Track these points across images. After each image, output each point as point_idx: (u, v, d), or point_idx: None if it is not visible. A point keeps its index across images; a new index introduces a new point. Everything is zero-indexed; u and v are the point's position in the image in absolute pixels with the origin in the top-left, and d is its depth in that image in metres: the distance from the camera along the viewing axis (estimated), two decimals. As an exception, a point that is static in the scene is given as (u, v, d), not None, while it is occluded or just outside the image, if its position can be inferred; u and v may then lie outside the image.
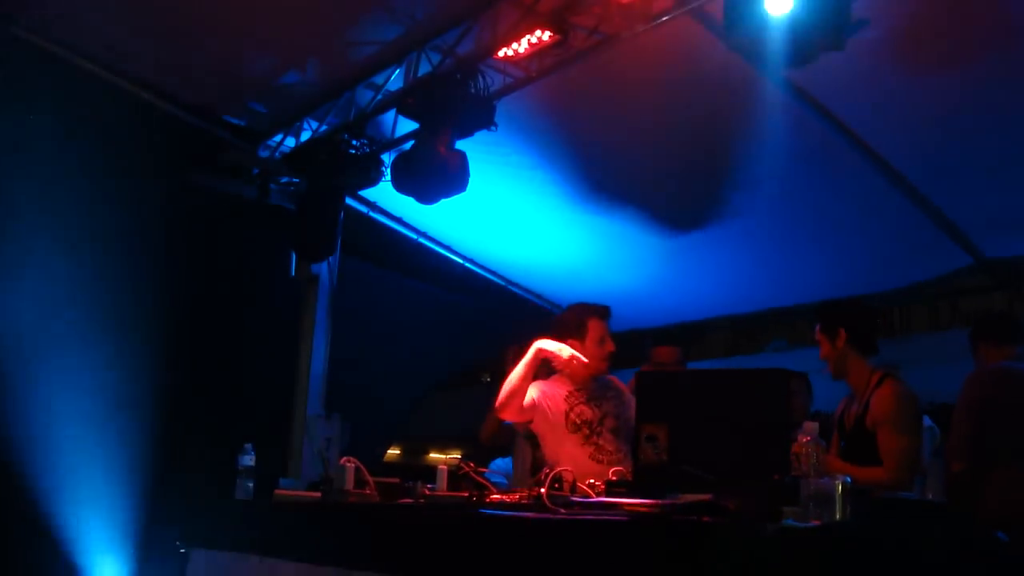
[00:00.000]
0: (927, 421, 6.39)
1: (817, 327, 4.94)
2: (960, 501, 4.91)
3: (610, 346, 5.14)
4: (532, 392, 5.10)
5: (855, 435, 4.78)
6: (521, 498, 3.73)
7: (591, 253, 8.78)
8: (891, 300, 9.20)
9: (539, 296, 10.09)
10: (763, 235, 8.05)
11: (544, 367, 5.18)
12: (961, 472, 4.92)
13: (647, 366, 5.49)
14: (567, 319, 5.26)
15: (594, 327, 5.13)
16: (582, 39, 5.89)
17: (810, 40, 4.75)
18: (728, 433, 3.49)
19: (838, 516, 3.03)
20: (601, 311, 5.18)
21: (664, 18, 5.53)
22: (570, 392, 5.19)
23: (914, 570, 3.14)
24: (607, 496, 3.61)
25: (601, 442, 5.06)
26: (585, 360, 4.99)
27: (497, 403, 5.08)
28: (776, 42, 4.82)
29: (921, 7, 5.36)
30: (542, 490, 3.54)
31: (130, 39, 6.78)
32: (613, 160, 7.26)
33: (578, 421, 5.12)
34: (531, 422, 5.19)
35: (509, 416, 5.15)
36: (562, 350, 4.99)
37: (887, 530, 3.27)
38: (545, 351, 5.01)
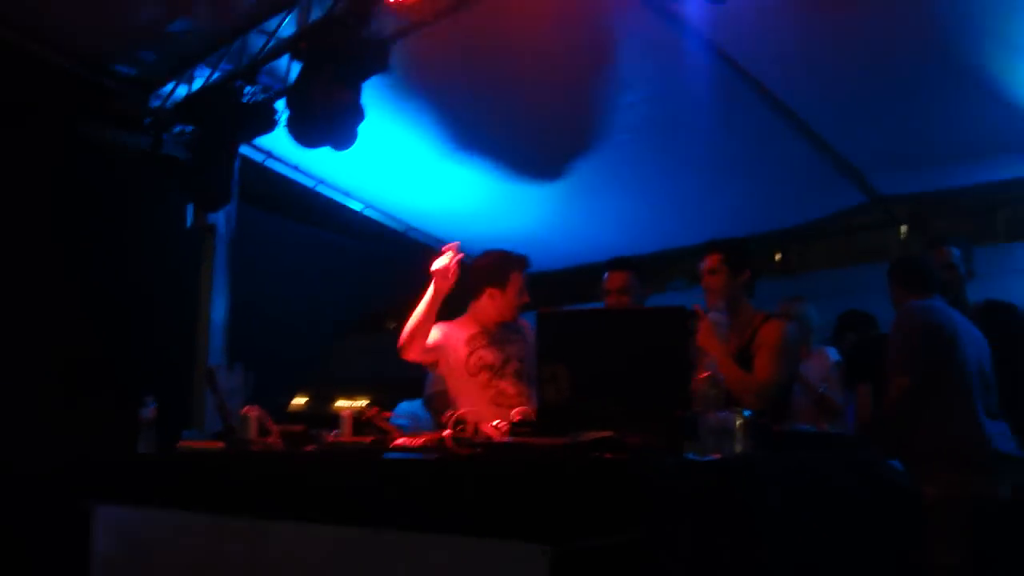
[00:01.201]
0: (834, 354, 6.54)
1: (718, 258, 4.96)
2: (905, 418, 5.06)
3: (526, 298, 5.18)
4: (435, 333, 5.09)
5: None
6: (426, 442, 3.74)
7: (489, 197, 8.77)
8: (788, 238, 9.36)
9: (439, 240, 10.05)
10: (658, 176, 8.13)
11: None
12: (906, 387, 5.01)
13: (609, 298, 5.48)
14: (488, 266, 5.23)
15: (515, 279, 5.15)
16: (475, -20, 5.86)
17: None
18: (629, 371, 3.53)
19: (738, 449, 3.10)
20: (522, 264, 5.20)
21: (558, -42, 5.52)
22: (472, 335, 5.20)
23: (810, 500, 3.23)
24: (511, 437, 3.63)
25: (503, 385, 5.09)
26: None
27: (400, 342, 5.05)
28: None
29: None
30: (445, 432, 3.56)
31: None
32: (507, 103, 7.23)
33: (479, 364, 5.15)
34: (436, 363, 5.20)
35: (412, 356, 5.10)
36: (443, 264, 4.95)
37: (785, 462, 3.35)
38: (435, 272, 4.95)
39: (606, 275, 5.46)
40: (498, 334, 5.21)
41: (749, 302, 4.93)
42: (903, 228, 8.62)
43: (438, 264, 4.93)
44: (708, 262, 4.98)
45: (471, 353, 5.15)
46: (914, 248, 8.12)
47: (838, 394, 6.29)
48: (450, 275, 4.95)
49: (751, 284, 4.98)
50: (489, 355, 5.14)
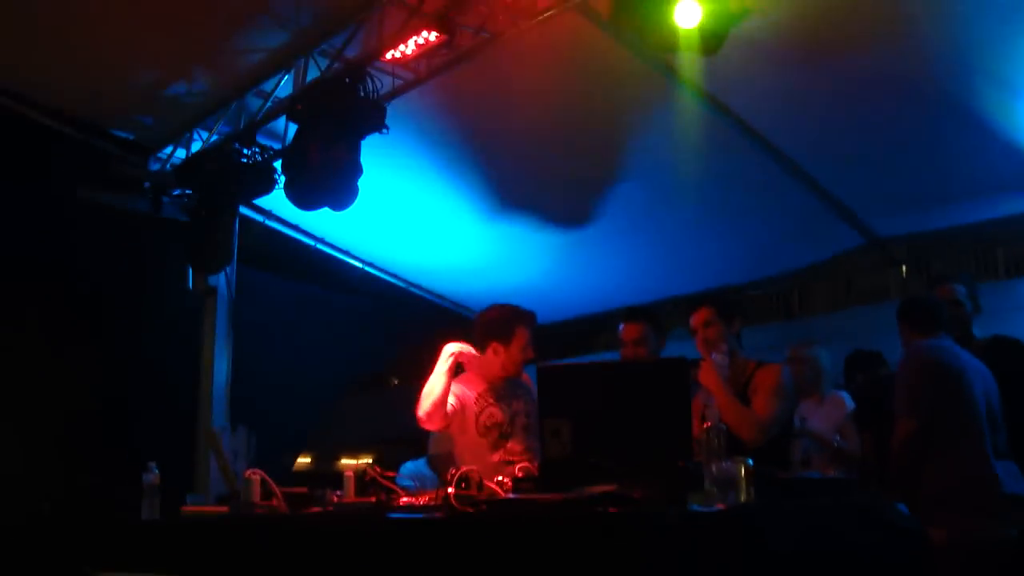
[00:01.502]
0: (848, 401, 6.46)
1: (710, 311, 4.97)
2: (912, 461, 4.99)
3: (531, 353, 5.17)
4: (451, 398, 5.06)
5: None
6: (429, 500, 3.72)
7: (489, 251, 8.80)
8: (788, 282, 9.36)
9: (440, 296, 10.11)
10: (657, 225, 8.15)
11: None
12: (913, 431, 4.96)
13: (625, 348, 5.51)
14: (495, 320, 5.21)
15: (521, 334, 5.14)
16: (469, 38, 5.90)
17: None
18: (631, 423, 3.52)
19: (742, 498, 3.07)
20: (530, 319, 5.20)
21: (548, 13, 5.56)
22: (479, 394, 5.19)
23: (817, 548, 3.20)
24: (514, 493, 3.62)
25: (511, 444, 5.08)
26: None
27: (421, 414, 4.98)
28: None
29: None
30: (449, 490, 3.54)
31: (9, 54, 6.61)
32: (506, 158, 7.29)
33: (488, 424, 5.13)
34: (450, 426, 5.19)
35: (434, 426, 5.08)
36: (470, 351, 4.99)
37: (790, 510, 3.33)
38: (462, 355, 4.99)
39: (621, 326, 5.47)
40: (504, 389, 5.19)
41: (741, 352, 4.94)
42: (903, 268, 8.62)
43: (459, 348, 4.96)
44: (701, 316, 4.98)
45: (480, 412, 5.14)
46: (914, 288, 8.12)
47: (855, 443, 6.15)
48: (466, 365, 5.03)
49: (739, 333, 5.00)
50: (498, 413, 5.13)
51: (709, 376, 4.60)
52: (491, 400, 5.15)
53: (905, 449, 5.02)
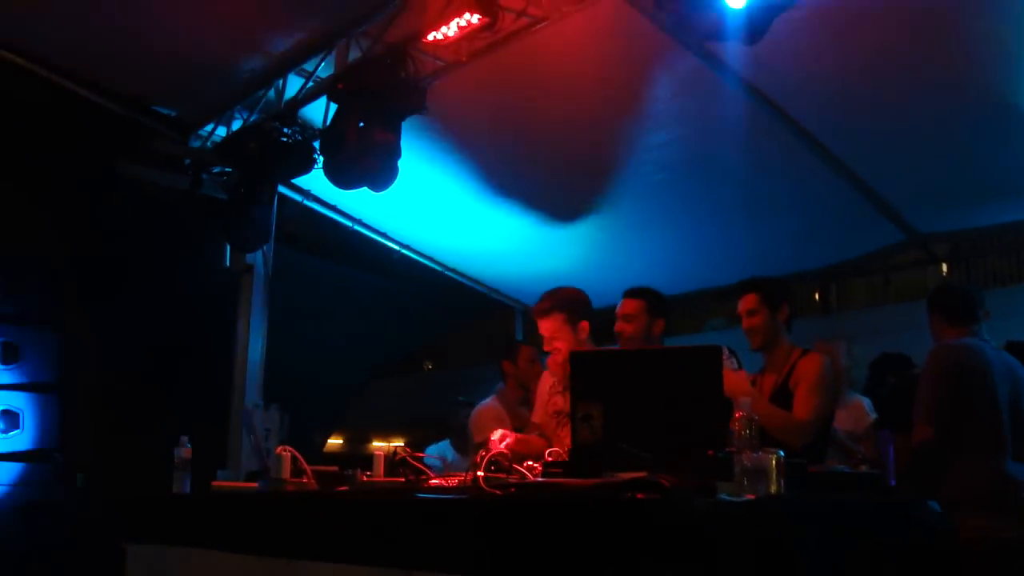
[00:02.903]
0: (869, 407, 6.40)
1: (755, 297, 4.94)
2: (925, 470, 4.91)
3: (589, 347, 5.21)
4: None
5: (774, 401, 4.80)
6: (460, 482, 3.72)
7: (525, 237, 8.78)
8: (827, 277, 9.31)
9: (476, 281, 10.09)
10: (695, 215, 8.11)
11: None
12: (928, 440, 4.87)
13: None
14: (582, 301, 5.28)
15: (587, 327, 5.18)
16: (511, 21, 5.87)
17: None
18: (663, 410, 3.50)
19: (772, 490, 3.05)
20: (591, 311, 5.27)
21: (591, -2, 5.54)
22: (551, 385, 5.34)
23: (847, 542, 3.17)
24: (544, 477, 3.61)
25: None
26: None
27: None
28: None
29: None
30: (479, 473, 3.53)
31: (56, 27, 6.64)
32: (544, 143, 7.26)
33: (552, 411, 5.27)
34: None
35: None
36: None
37: (821, 502, 3.30)
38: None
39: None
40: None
41: (788, 339, 4.90)
42: (944, 265, 8.54)
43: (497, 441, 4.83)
44: (745, 303, 4.95)
45: (549, 400, 5.34)
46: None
47: (876, 454, 6.03)
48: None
49: (789, 321, 4.95)
50: (561, 400, 5.18)
51: (739, 385, 4.52)
52: (558, 389, 5.27)
53: (920, 456, 4.95)
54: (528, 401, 7.15)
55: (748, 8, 4.77)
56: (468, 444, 6.96)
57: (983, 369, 4.91)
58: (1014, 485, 4.71)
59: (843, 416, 6.21)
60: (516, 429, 6.58)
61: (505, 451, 4.41)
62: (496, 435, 4.92)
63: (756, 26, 4.88)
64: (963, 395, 4.88)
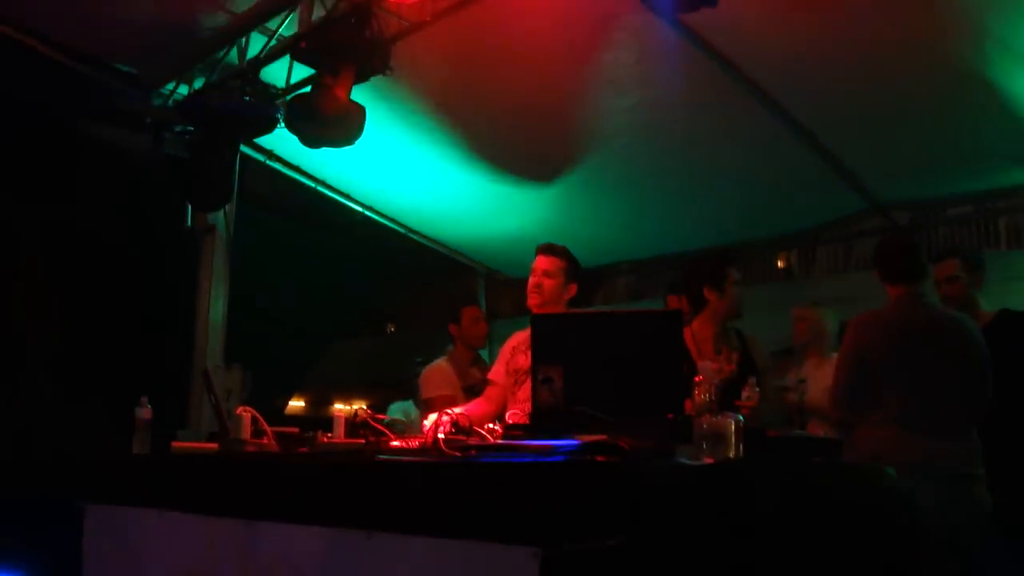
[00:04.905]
0: None
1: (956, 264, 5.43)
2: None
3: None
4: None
5: None
6: (421, 444, 3.73)
7: (487, 198, 8.76)
8: (789, 244, 9.34)
9: (439, 243, 10.08)
10: (657, 181, 8.11)
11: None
12: (840, 421, 5.03)
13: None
14: (579, 267, 5.39)
15: (575, 290, 5.30)
16: (475, -19, 5.84)
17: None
18: (623, 374, 3.52)
19: (731, 454, 3.08)
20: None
21: (559, -41, 5.51)
22: (520, 342, 5.32)
23: (803, 505, 3.20)
24: (505, 439, 3.62)
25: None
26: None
27: None
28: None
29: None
30: (439, 435, 3.54)
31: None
32: (509, 104, 7.21)
33: (511, 369, 5.30)
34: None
35: None
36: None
37: (778, 466, 3.33)
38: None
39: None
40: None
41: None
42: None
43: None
44: (947, 269, 5.11)
45: (511, 358, 5.37)
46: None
47: None
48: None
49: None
50: (524, 360, 5.16)
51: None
52: (523, 349, 5.22)
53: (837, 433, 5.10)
54: (480, 362, 7.22)
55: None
56: (417, 401, 7.03)
57: (896, 346, 4.98)
58: (915, 456, 4.73)
59: (824, 375, 6.32)
60: (466, 389, 6.65)
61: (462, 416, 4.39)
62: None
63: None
64: (872, 375, 4.98)
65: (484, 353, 7.59)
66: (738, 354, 5.06)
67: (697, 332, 5.25)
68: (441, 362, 7.06)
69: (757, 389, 4.43)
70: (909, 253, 5.22)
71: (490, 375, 5.52)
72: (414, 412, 7.48)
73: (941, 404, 4.86)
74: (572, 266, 5.32)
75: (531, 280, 5.31)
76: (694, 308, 5.35)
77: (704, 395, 3.27)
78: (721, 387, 4.57)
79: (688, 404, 3.31)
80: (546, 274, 5.27)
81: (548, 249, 5.34)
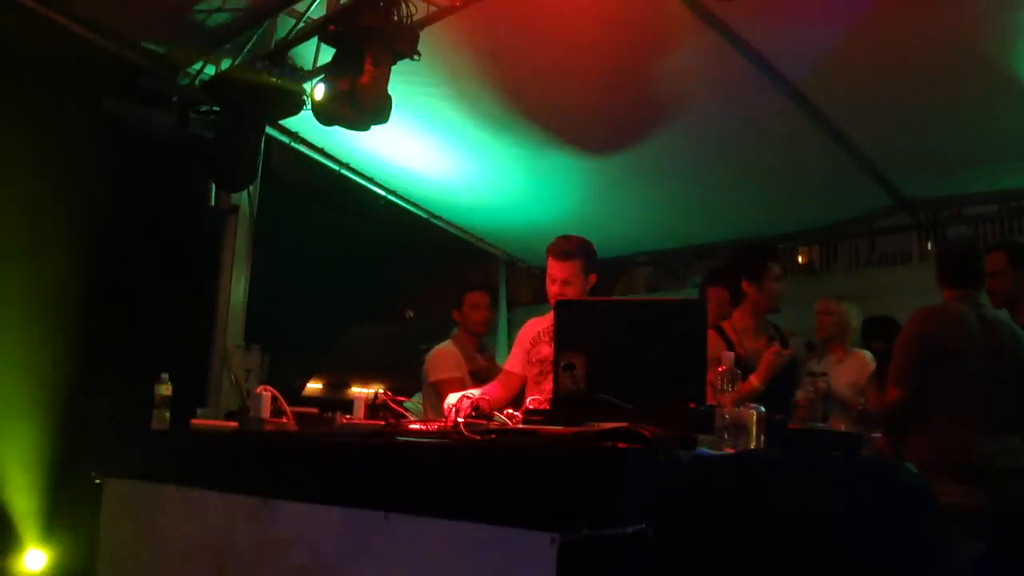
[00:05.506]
0: (871, 358, 6.47)
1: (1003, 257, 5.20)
2: (895, 431, 5.02)
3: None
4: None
5: None
6: (440, 427, 3.73)
7: (513, 187, 8.76)
8: (812, 239, 9.33)
9: (461, 229, 10.07)
10: (684, 172, 8.10)
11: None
12: (897, 401, 4.92)
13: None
14: (596, 254, 5.23)
15: (595, 280, 5.17)
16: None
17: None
18: (646, 362, 3.51)
19: (752, 445, 3.07)
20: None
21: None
22: (541, 331, 5.21)
23: (823, 497, 3.20)
24: (525, 424, 3.62)
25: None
26: None
27: None
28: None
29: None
30: (459, 418, 3.54)
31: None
32: (536, 94, 7.21)
33: (534, 359, 5.18)
34: None
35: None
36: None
37: (798, 459, 3.32)
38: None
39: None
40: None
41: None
42: (928, 231, 8.57)
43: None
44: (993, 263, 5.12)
45: (532, 347, 5.26)
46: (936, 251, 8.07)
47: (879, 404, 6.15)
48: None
49: None
50: (548, 350, 5.02)
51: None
52: (546, 338, 5.12)
53: (889, 417, 5.03)
54: (487, 348, 7.18)
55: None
56: (423, 385, 6.96)
57: (960, 339, 4.92)
58: (975, 456, 4.72)
59: (846, 369, 6.37)
60: (471, 374, 6.61)
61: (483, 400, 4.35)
62: (453, 399, 4.33)
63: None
64: (935, 363, 4.90)
65: (502, 339, 7.54)
66: (778, 345, 5.06)
67: (737, 324, 5.26)
68: (447, 345, 6.93)
69: (811, 388, 4.41)
70: (971, 261, 5.19)
71: (506, 366, 5.42)
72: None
73: (997, 403, 4.85)
74: (589, 260, 5.15)
75: (551, 289, 5.13)
76: (733, 300, 5.35)
77: (726, 385, 3.27)
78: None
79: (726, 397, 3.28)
80: (565, 283, 5.09)
81: (563, 254, 5.12)
